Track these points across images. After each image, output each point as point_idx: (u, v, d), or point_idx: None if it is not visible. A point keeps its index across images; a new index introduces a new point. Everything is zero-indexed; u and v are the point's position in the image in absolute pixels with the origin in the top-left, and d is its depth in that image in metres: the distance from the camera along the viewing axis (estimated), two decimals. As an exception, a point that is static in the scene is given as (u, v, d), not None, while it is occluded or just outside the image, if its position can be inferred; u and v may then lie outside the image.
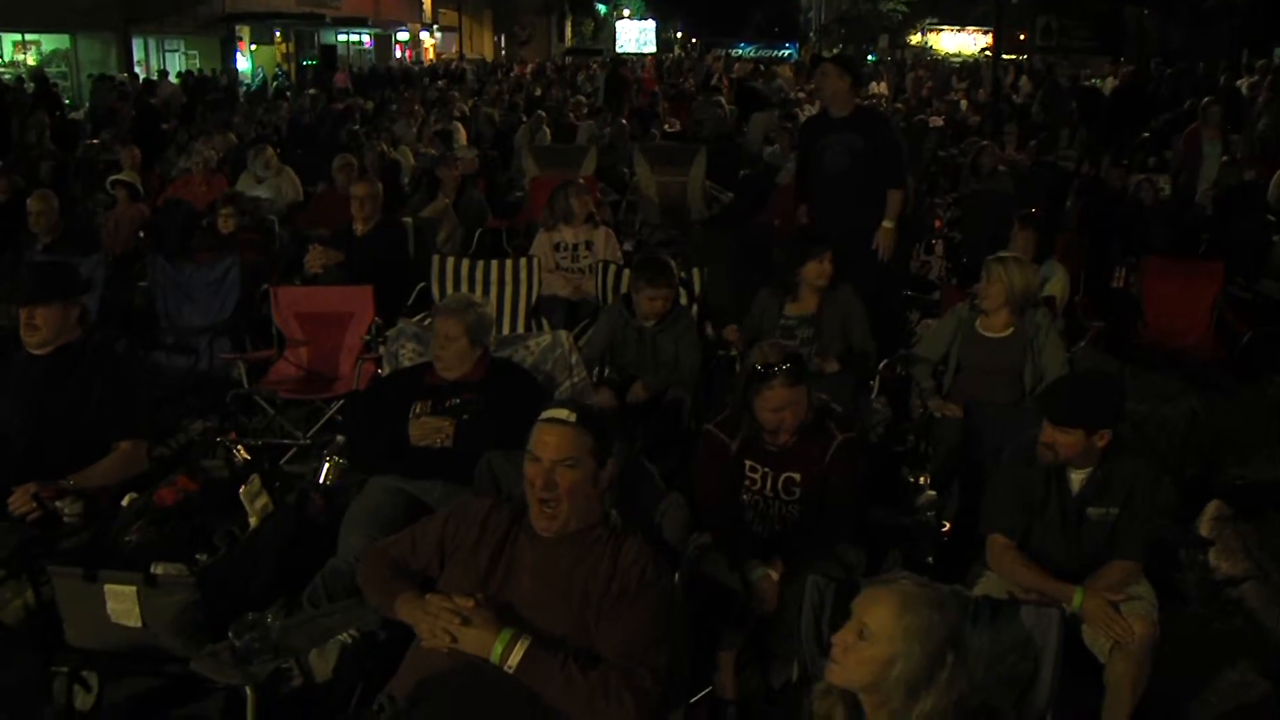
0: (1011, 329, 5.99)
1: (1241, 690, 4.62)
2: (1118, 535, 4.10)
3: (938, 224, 10.92)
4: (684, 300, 7.01)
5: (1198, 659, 4.77)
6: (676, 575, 3.33)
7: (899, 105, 22.07)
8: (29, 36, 30.12)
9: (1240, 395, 7.52)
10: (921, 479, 5.85)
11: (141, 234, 10.27)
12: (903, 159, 7.90)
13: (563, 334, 5.62)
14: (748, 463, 4.40)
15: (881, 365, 6.51)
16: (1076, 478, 4.15)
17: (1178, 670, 4.45)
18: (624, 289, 6.74)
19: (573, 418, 3.22)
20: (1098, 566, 4.08)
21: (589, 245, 8.26)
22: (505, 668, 2.98)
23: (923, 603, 2.64)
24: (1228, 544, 5.41)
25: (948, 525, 5.23)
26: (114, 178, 11.16)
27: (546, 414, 3.25)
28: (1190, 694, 4.57)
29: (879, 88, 26.82)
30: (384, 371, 5.67)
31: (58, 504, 4.37)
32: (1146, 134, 15.71)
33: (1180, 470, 6.41)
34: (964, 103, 23.94)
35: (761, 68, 33.00)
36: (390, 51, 47.15)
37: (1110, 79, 22.79)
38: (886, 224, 7.56)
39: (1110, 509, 4.10)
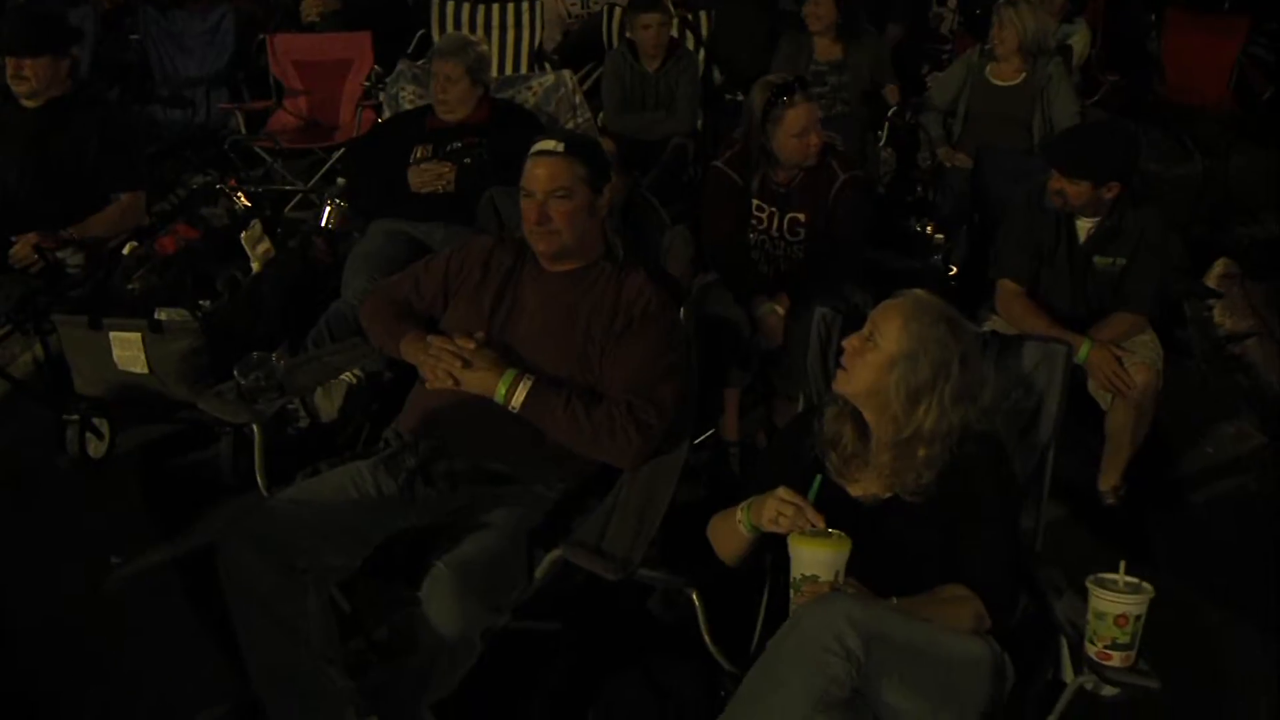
0: (1022, 76, 5.89)
1: (1238, 442, 4.69)
2: (1124, 286, 4.06)
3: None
4: (690, 45, 6.86)
5: (1197, 411, 4.84)
6: (681, 310, 3.28)
7: None
8: None
9: (1255, 155, 7.40)
10: (929, 228, 5.80)
11: (129, -15, 9.98)
12: None
13: (566, 73, 5.52)
14: (755, 201, 4.33)
15: (890, 113, 6.39)
16: (1084, 226, 4.09)
17: (1177, 421, 4.53)
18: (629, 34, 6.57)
19: (560, 147, 3.11)
20: (1104, 316, 4.06)
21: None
22: (509, 407, 2.96)
23: (932, 311, 2.61)
24: (1233, 300, 5.40)
25: (955, 269, 5.21)
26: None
27: (535, 148, 3.14)
28: (1188, 444, 4.64)
29: None
30: (384, 117, 5.55)
31: (59, 255, 4.32)
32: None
33: (1190, 229, 6.37)
34: None
35: None
36: None
37: None
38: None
39: (1117, 259, 4.05)
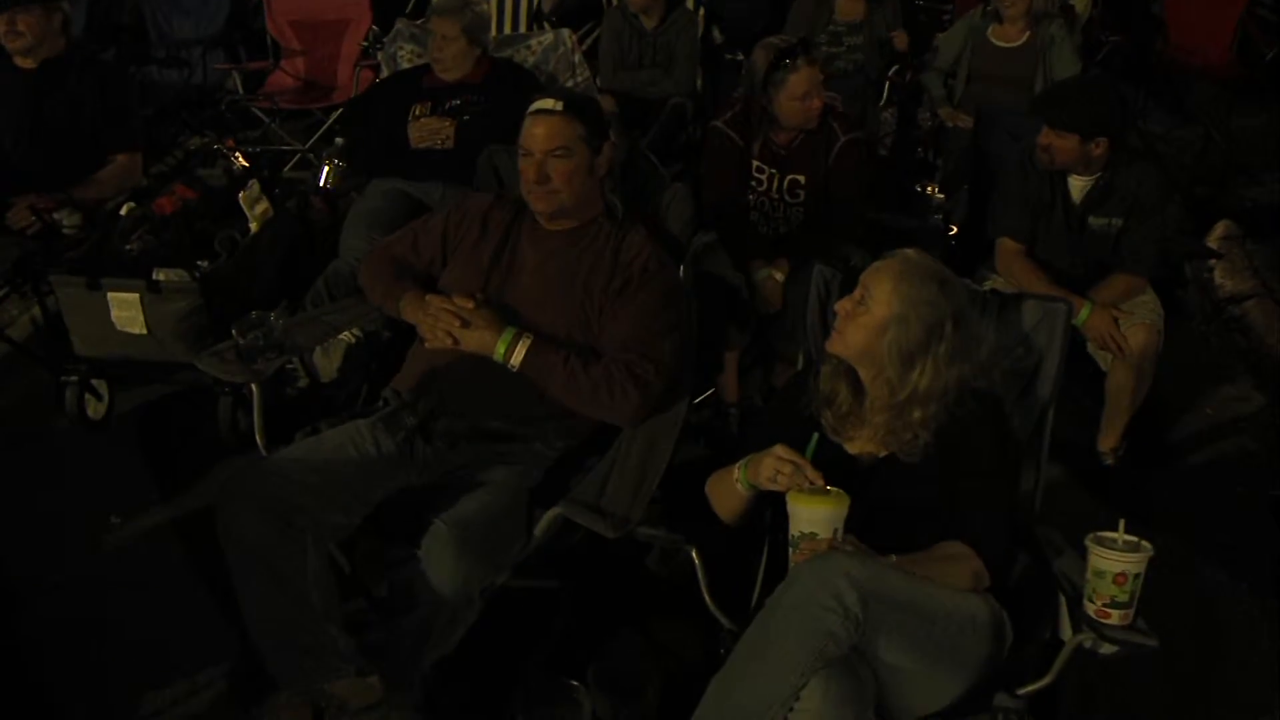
0: (1025, 38, 5.89)
1: (1237, 403, 4.69)
2: (1122, 246, 4.04)
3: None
4: (690, 4, 6.84)
5: (1197, 372, 4.85)
6: (681, 269, 3.27)
7: None
8: None
9: (1257, 117, 7.36)
10: (930, 189, 5.80)
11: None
12: None
13: (565, 32, 5.49)
14: (755, 163, 4.31)
15: (891, 72, 6.37)
16: (1077, 185, 4.06)
17: (1177, 382, 4.53)
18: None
19: (559, 106, 3.08)
20: (1103, 276, 4.04)
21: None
22: (509, 365, 2.96)
23: (922, 271, 2.59)
24: (1234, 262, 5.40)
25: (955, 229, 5.19)
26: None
27: (533, 106, 3.12)
28: (1188, 405, 4.64)
29: None
30: (383, 77, 5.52)
31: (56, 216, 4.31)
32: None
33: (1191, 190, 6.36)
34: None
35: None
36: None
37: None
38: None
39: (1113, 220, 4.02)
